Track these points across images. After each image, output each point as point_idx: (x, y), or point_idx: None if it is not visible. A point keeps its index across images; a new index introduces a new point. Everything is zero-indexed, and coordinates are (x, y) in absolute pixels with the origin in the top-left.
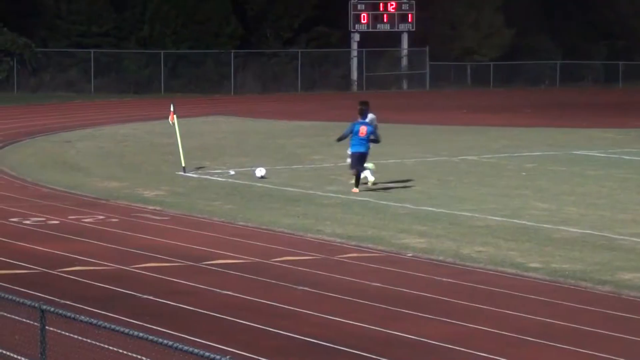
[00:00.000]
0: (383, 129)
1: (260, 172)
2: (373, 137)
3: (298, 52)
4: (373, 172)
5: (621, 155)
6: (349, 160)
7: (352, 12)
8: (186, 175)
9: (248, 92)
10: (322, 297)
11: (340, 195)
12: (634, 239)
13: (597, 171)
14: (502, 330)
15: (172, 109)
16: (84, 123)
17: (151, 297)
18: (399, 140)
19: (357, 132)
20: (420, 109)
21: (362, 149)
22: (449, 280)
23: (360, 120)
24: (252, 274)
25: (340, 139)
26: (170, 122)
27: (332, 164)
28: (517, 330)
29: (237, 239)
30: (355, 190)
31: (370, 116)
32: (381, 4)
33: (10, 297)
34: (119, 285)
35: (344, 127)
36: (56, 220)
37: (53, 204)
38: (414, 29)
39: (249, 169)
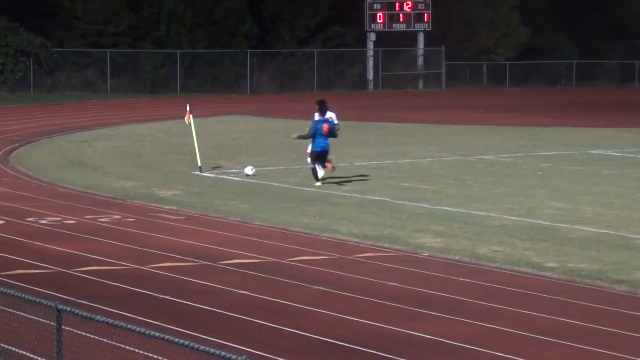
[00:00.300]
0: (399, 129)
1: (249, 170)
2: (332, 133)
3: (314, 51)
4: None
5: (637, 154)
6: (308, 159)
7: (368, 12)
8: (202, 175)
9: (264, 92)
10: (338, 297)
11: (356, 195)
12: None
13: (613, 170)
14: (517, 330)
15: (188, 108)
16: (100, 123)
17: (167, 297)
18: (415, 140)
19: (320, 130)
20: (436, 108)
21: (325, 147)
22: (465, 279)
23: (320, 118)
24: (268, 274)
25: (302, 137)
26: (187, 122)
27: (348, 164)
28: (533, 329)
29: (253, 239)
30: (319, 183)
31: (330, 113)
32: (397, 4)
33: (26, 296)
34: (135, 285)
35: (360, 126)
36: (72, 219)
37: (69, 203)
38: (430, 29)
39: (266, 168)
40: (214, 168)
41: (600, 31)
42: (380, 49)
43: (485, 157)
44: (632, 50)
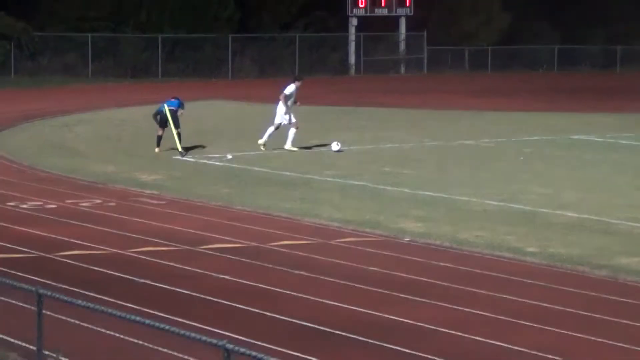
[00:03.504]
0: (381, 114)
1: (336, 146)
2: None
3: (296, 36)
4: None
5: (618, 139)
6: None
7: None
8: (183, 160)
9: (245, 77)
10: (319, 282)
11: (338, 180)
12: (631, 224)
13: (595, 156)
14: (498, 315)
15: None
16: (82, 107)
17: (148, 281)
18: (396, 125)
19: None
20: (418, 93)
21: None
22: (446, 264)
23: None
24: (249, 258)
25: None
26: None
27: (329, 149)
28: (513, 314)
29: (234, 223)
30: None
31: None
32: None
33: (7, 281)
34: (116, 269)
35: (341, 111)
36: (53, 204)
37: (50, 188)
38: (412, 14)
39: (247, 153)
40: (196, 152)
41: (583, 16)
42: (362, 34)
43: (467, 142)
44: (614, 35)
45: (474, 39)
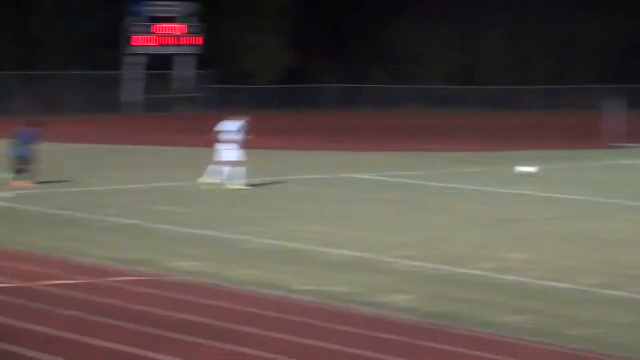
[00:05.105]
0: (161, 152)
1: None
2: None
3: (77, 74)
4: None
5: (390, 177)
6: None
7: (131, 34)
8: None
9: (25, 115)
10: (85, 321)
11: (112, 219)
12: (401, 261)
13: (368, 194)
14: (267, 353)
15: None
16: None
17: None
18: (173, 163)
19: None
20: (197, 132)
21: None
22: (217, 303)
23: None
24: (19, 298)
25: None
26: None
27: (105, 187)
28: (282, 352)
29: (4, 263)
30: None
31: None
32: (161, 26)
33: None
34: None
35: (119, 150)
36: None
37: None
38: (195, 52)
39: (27, 192)
40: None
41: (365, 55)
42: (145, 72)
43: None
44: (394, 75)
45: (256, 77)
